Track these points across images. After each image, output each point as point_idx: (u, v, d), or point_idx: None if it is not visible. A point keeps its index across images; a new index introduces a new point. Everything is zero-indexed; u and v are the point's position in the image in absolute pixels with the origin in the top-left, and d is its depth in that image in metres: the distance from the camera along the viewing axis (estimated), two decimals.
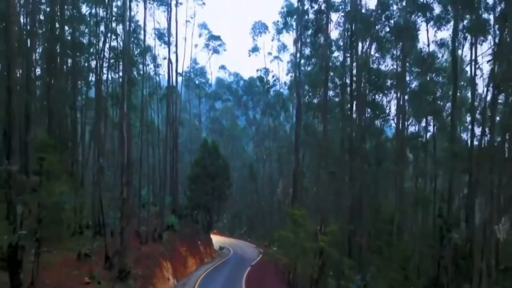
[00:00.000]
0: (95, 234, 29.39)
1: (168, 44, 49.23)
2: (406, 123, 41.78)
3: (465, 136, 44.20)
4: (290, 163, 60.52)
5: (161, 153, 46.70)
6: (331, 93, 48.76)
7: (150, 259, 30.57)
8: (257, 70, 71.72)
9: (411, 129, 42.87)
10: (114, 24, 36.69)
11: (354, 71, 38.70)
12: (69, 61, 37.09)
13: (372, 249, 30.31)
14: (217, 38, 70.05)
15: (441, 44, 38.24)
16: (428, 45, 38.06)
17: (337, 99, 46.99)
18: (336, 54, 47.29)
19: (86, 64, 37.73)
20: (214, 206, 49.24)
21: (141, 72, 44.07)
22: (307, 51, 44.80)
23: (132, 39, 41.31)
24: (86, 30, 37.62)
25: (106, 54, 36.78)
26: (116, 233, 26.86)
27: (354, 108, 38.84)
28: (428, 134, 42.27)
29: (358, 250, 28.93)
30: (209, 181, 46.79)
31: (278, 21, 54.37)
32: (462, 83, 45.35)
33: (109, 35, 36.75)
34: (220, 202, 49.57)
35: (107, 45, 36.75)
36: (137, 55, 43.57)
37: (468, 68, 35.57)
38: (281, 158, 66.96)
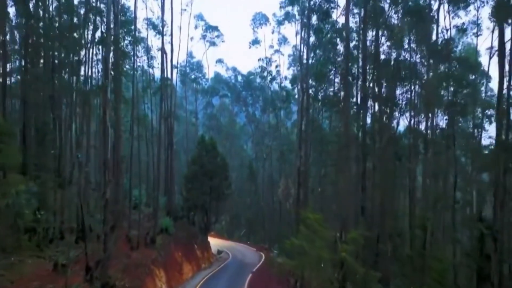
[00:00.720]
0: (78, 240, 26.35)
1: (162, 33, 46.05)
2: (419, 117, 38.87)
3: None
4: (292, 162, 57.60)
5: (155, 150, 43.33)
6: (336, 86, 46.00)
7: (140, 267, 27.78)
8: (259, 60, 68.99)
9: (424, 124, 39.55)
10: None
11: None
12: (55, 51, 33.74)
13: (390, 256, 27.21)
14: (215, 28, 66.92)
15: (463, 29, 35.04)
16: (448, 30, 35.03)
17: (342, 93, 44.01)
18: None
19: (72, 55, 34.32)
20: (212, 207, 46.29)
21: (133, 64, 41.09)
22: (311, 39, 41.57)
23: (124, 29, 38.28)
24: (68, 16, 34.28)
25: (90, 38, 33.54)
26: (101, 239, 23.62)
27: (365, 101, 35.73)
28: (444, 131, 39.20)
29: (374, 258, 25.76)
30: (206, 180, 43.74)
31: (280, 7, 51.24)
32: (475, 76, 42.54)
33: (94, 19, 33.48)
34: (219, 203, 46.58)
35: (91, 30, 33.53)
36: (127, 44, 40.41)
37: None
38: (282, 156, 63.83)
